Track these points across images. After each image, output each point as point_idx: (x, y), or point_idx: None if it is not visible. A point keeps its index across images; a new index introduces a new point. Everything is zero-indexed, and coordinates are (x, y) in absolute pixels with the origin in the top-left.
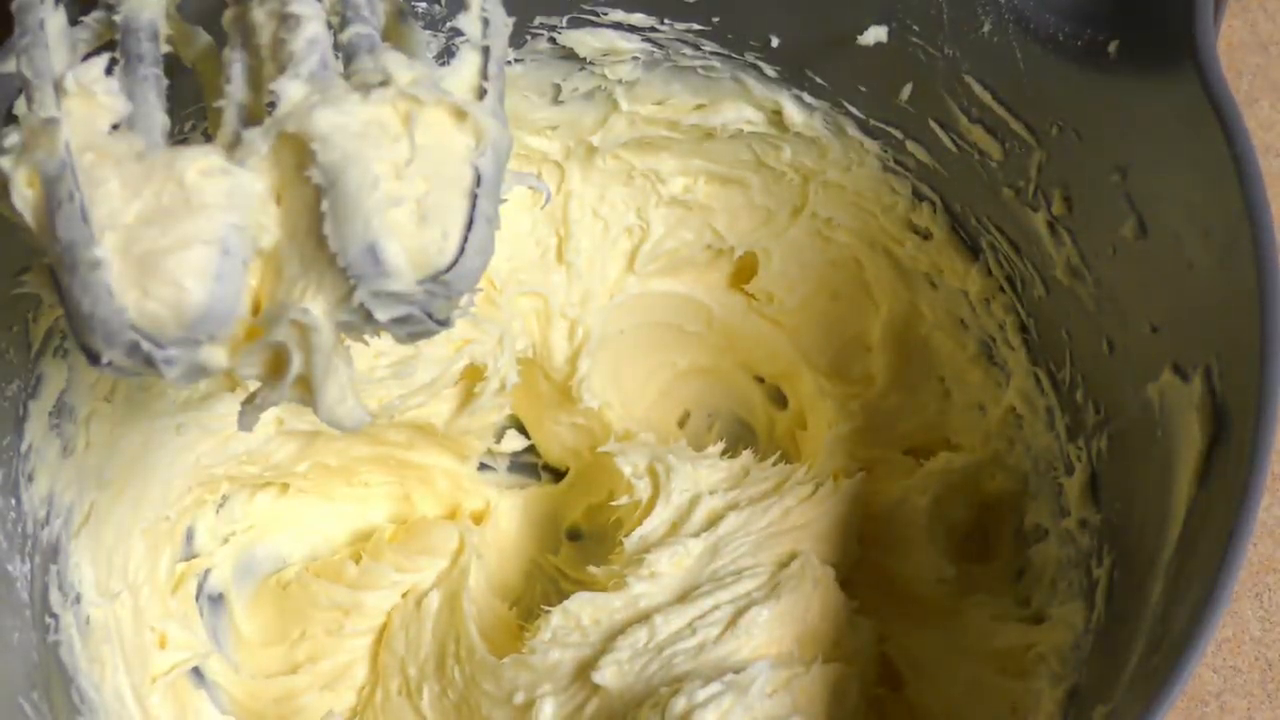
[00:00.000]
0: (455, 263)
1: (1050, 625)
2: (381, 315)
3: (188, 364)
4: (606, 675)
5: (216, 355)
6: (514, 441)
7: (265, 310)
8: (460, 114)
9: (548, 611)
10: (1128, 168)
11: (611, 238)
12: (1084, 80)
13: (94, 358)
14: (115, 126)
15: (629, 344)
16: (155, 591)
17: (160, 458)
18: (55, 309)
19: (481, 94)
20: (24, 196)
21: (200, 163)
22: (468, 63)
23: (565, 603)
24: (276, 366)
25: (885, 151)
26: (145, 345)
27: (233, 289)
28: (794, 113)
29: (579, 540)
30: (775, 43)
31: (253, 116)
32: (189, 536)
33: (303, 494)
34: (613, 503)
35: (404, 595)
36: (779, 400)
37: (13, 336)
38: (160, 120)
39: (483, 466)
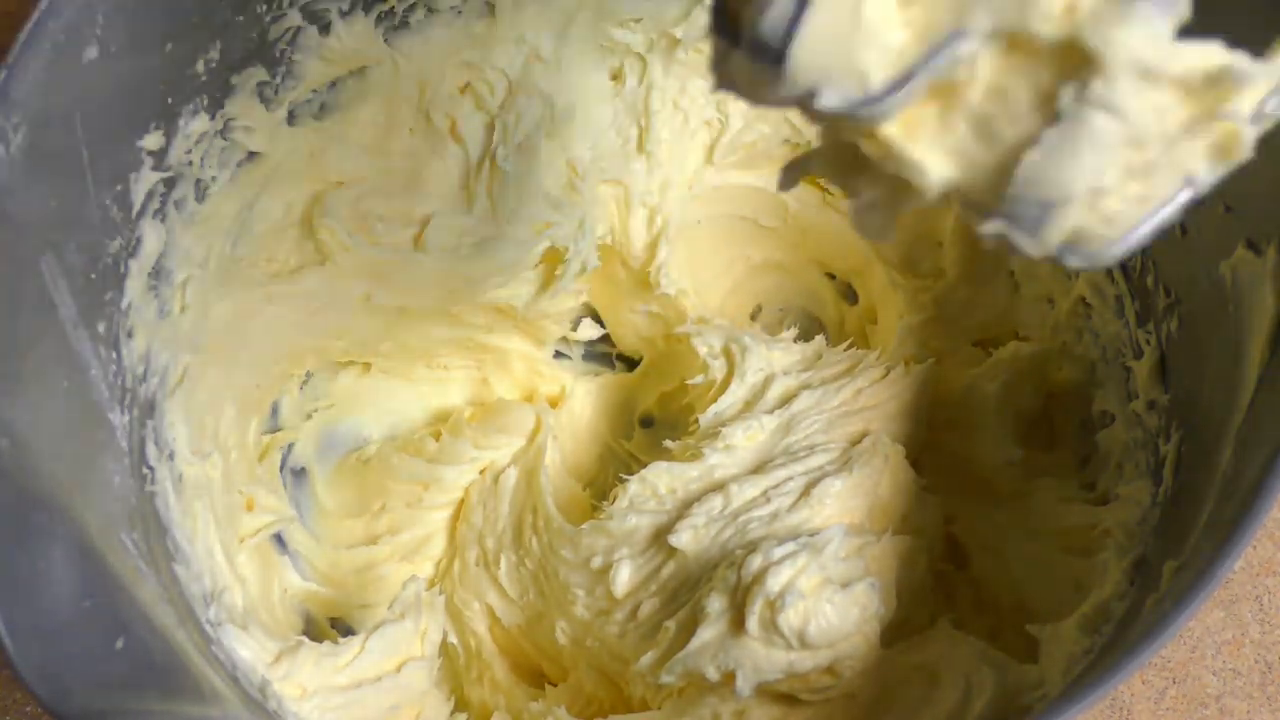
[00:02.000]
0: None
1: (1117, 504)
2: None
3: None
4: (683, 539)
5: None
6: (589, 329)
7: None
8: None
9: (625, 480)
10: None
11: (691, 129)
12: None
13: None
14: None
15: (705, 235)
16: (243, 456)
17: (250, 327)
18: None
19: None
20: None
21: None
22: None
23: (643, 471)
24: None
25: None
26: None
27: None
28: None
29: (651, 427)
30: None
31: None
32: (274, 410)
33: (384, 374)
34: (688, 381)
35: (481, 472)
36: (849, 296)
37: (116, 194)
38: None
39: (558, 355)
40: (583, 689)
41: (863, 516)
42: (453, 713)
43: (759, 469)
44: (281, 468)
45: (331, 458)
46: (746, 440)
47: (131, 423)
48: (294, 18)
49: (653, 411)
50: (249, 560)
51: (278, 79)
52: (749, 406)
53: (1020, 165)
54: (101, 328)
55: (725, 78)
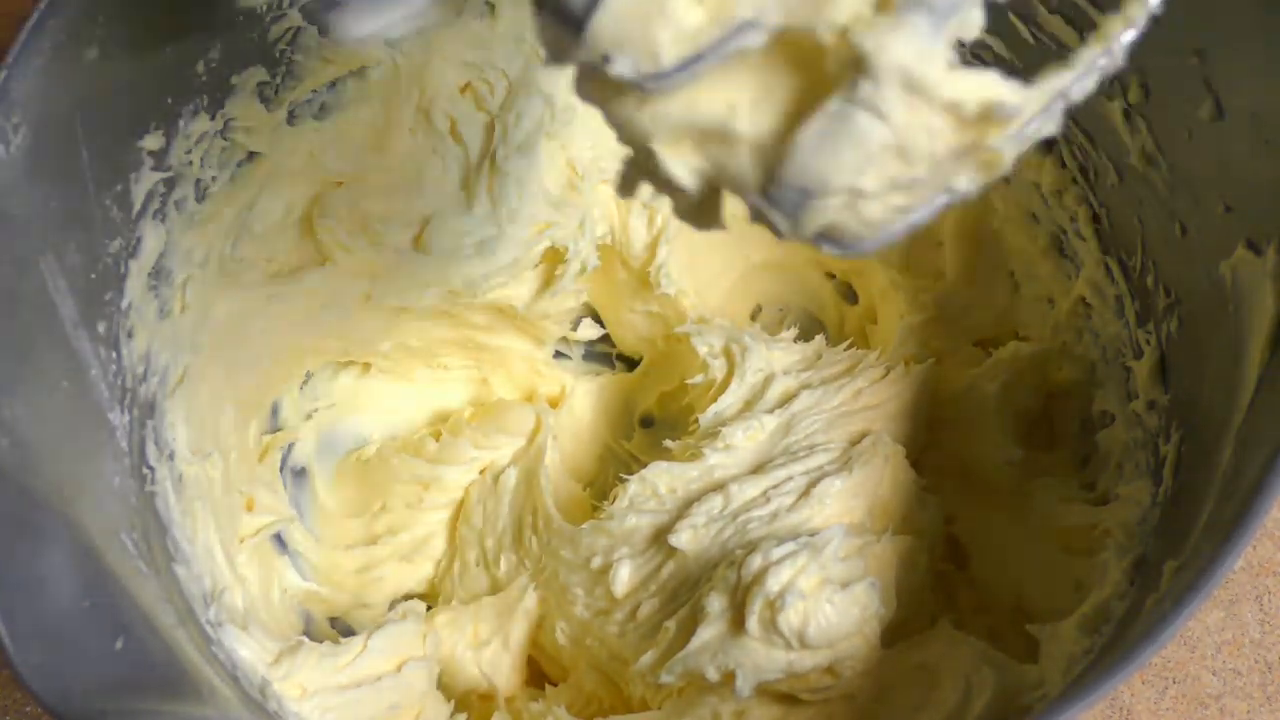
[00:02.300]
0: None
1: (1117, 504)
2: None
3: None
4: (683, 539)
5: None
6: (589, 329)
7: None
8: None
9: (625, 480)
10: (1206, 50)
11: None
12: None
13: None
14: None
15: (705, 235)
16: (243, 457)
17: (250, 327)
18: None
19: None
20: None
21: None
22: None
23: (643, 471)
24: None
25: (962, 45)
26: None
27: None
28: None
29: (651, 427)
30: None
31: None
32: (274, 410)
33: (384, 374)
34: (688, 381)
35: (481, 472)
36: (849, 296)
37: (116, 195)
38: None
39: (558, 355)
40: (583, 689)
41: (863, 516)
42: (453, 713)
43: (759, 469)
44: (281, 468)
45: (331, 458)
46: (746, 440)
47: (131, 423)
48: (294, 18)
49: (653, 411)
50: (249, 560)
51: (278, 79)
52: (749, 406)
53: (787, 151)
54: (101, 328)
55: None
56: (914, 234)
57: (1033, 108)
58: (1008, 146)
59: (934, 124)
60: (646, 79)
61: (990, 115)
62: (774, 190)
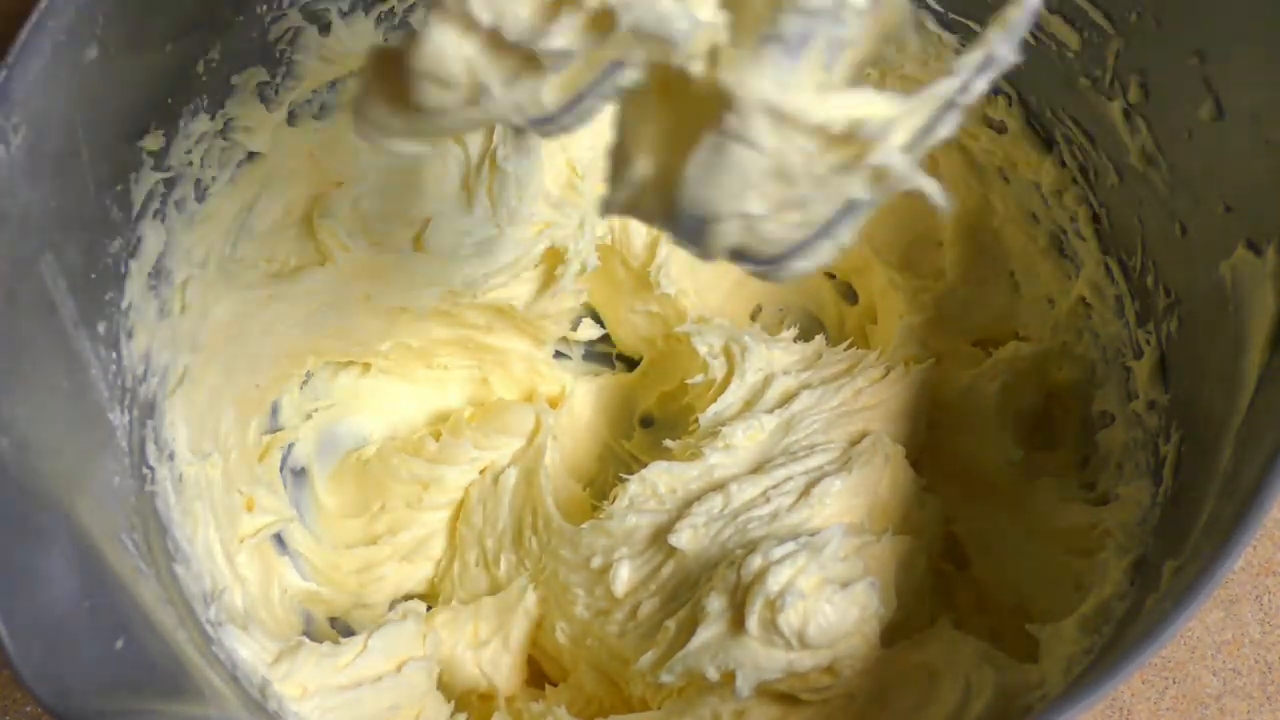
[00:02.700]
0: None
1: (1117, 504)
2: None
3: None
4: (683, 539)
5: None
6: (589, 329)
7: None
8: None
9: (625, 480)
10: (1206, 51)
11: None
12: None
13: None
14: None
15: None
16: (243, 457)
17: (250, 327)
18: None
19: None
20: None
21: None
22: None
23: (643, 471)
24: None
25: (963, 45)
26: None
27: None
28: None
29: (651, 427)
30: None
31: None
32: (274, 410)
33: (384, 374)
34: (688, 380)
35: (481, 472)
36: (849, 296)
37: (116, 195)
38: None
39: (558, 355)
40: (583, 689)
41: (862, 516)
42: (453, 713)
43: (759, 468)
44: (281, 468)
45: (331, 458)
46: (746, 440)
47: (131, 423)
48: (294, 18)
49: (653, 411)
50: (249, 560)
51: (278, 79)
52: (749, 406)
53: (678, 183)
54: (101, 328)
55: None
56: (843, 248)
57: (915, 120)
58: (895, 158)
59: (806, 146)
60: (538, 123)
61: (856, 134)
62: (675, 220)
